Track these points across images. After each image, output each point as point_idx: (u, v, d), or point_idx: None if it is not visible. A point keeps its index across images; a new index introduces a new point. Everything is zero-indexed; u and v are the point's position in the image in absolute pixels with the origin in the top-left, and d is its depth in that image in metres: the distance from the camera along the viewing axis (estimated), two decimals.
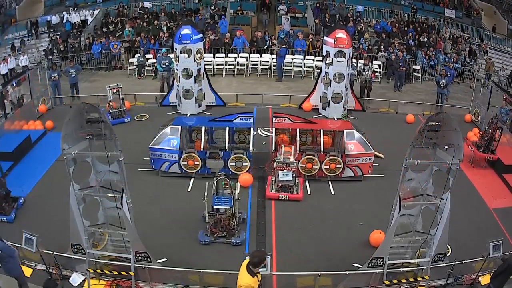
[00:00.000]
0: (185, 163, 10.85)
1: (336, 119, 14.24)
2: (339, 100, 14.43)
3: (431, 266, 7.62)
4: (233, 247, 8.69)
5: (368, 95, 16.32)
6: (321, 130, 11.03)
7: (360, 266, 7.91)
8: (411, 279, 7.75)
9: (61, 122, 6.99)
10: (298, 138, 10.92)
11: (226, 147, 10.82)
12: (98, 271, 7.77)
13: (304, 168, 10.82)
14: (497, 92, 14.21)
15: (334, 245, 8.86)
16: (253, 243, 8.86)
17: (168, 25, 21.09)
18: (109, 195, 7.20)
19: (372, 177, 11.19)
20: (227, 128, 10.96)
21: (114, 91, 14.05)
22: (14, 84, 13.99)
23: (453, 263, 7.70)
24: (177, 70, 14.29)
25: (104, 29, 21.75)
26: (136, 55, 18.83)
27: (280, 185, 10.27)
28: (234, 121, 11.14)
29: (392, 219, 7.34)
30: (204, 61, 14.96)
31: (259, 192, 10.60)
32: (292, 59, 18.86)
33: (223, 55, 19.08)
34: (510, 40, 23.05)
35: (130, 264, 7.54)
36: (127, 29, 20.84)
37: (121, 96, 14.14)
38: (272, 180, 10.50)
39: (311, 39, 19.68)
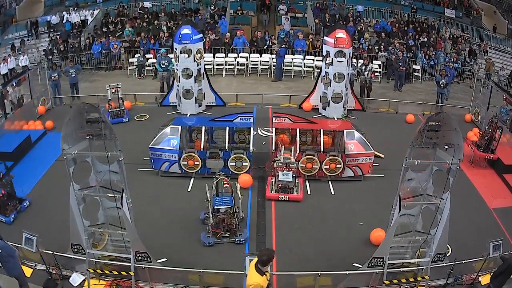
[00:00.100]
0: (185, 163, 10.85)
1: (336, 119, 14.24)
2: (339, 100, 14.43)
3: (431, 266, 7.62)
4: (233, 246, 8.68)
5: (368, 95, 16.32)
6: (321, 130, 11.03)
7: (360, 266, 7.91)
8: (411, 279, 7.75)
9: (61, 122, 6.99)
10: (298, 138, 10.92)
11: (226, 147, 10.82)
12: (98, 271, 7.77)
13: (304, 168, 10.82)
14: (497, 92, 14.20)
15: (334, 245, 8.86)
16: (253, 243, 8.86)
17: (168, 25, 21.09)
18: (109, 195, 7.20)
19: (372, 177, 11.19)
20: (227, 128, 10.96)
21: (113, 90, 14.06)
22: (14, 84, 13.99)
23: (453, 263, 7.70)
24: (177, 70, 14.29)
25: (104, 29, 21.74)
26: (136, 55, 18.83)
27: (280, 185, 10.25)
28: (234, 121, 11.14)
29: (392, 219, 7.33)
30: (204, 61, 14.96)
31: (259, 192, 10.59)
32: (292, 59, 18.86)
33: (223, 55, 19.08)
34: (510, 40, 23.05)
35: (130, 264, 7.54)
36: (127, 29, 20.84)
37: (120, 96, 14.16)
38: (272, 181, 10.48)
39: (311, 39, 19.68)
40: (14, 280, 7.36)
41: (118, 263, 7.76)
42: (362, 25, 21.74)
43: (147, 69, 18.77)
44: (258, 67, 18.97)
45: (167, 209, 9.85)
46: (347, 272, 7.75)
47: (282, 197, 10.14)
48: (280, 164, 10.20)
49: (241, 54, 19.14)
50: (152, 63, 18.55)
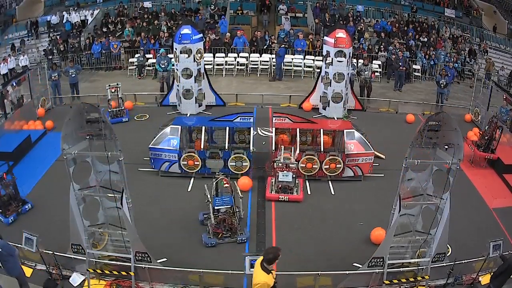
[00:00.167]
0: (185, 163, 10.85)
1: (336, 118, 14.24)
2: (339, 100, 14.43)
3: (431, 266, 7.62)
4: (233, 246, 8.69)
5: (369, 95, 16.32)
6: (321, 130, 11.03)
7: (360, 266, 7.91)
8: (411, 279, 7.75)
9: (61, 122, 6.99)
10: (298, 138, 10.92)
11: (226, 147, 10.82)
12: (98, 271, 7.77)
13: (304, 168, 10.82)
14: (497, 92, 14.20)
15: (334, 245, 8.86)
16: (253, 243, 8.86)
17: (168, 25, 21.09)
18: (109, 195, 7.20)
19: (372, 177, 11.19)
20: (227, 128, 10.96)
21: (113, 90, 14.08)
22: (14, 84, 13.99)
23: (453, 263, 7.70)
24: (177, 70, 14.30)
25: (104, 29, 21.74)
26: (136, 55, 18.83)
27: (280, 186, 10.23)
28: (234, 121, 11.14)
29: (392, 219, 7.33)
30: (204, 61, 14.96)
31: (259, 192, 10.59)
32: (292, 59, 18.87)
33: (223, 55, 19.08)
34: (510, 39, 23.05)
35: (130, 264, 7.54)
36: (127, 29, 20.84)
37: (120, 96, 14.17)
38: (272, 181, 10.47)
39: (311, 39, 19.69)
40: (14, 280, 7.36)
41: (118, 263, 7.76)
42: (362, 25, 21.74)
43: (147, 69, 18.77)
44: (258, 67, 18.96)
45: (167, 209, 9.85)
46: (347, 272, 7.75)
47: (282, 198, 10.13)
48: (280, 165, 10.19)
49: (241, 54, 19.14)
50: (152, 63, 18.54)
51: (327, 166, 10.84)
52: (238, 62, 18.95)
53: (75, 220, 7.32)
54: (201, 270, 7.58)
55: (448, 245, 7.94)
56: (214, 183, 9.05)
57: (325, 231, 9.29)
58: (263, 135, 12.95)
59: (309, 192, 10.60)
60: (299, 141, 10.95)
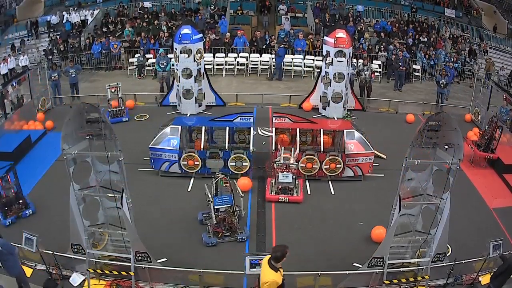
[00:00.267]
0: (185, 163, 10.85)
1: (336, 118, 14.24)
2: (339, 100, 14.43)
3: (431, 266, 7.62)
4: (233, 246, 8.69)
5: (369, 95, 16.32)
6: (321, 130, 11.03)
7: (360, 266, 7.91)
8: (411, 279, 7.75)
9: (61, 122, 6.99)
10: (298, 138, 10.92)
11: (226, 147, 10.82)
12: (98, 271, 7.77)
13: (304, 168, 10.82)
14: (497, 92, 14.21)
15: (334, 245, 8.86)
16: (253, 243, 8.86)
17: (168, 25, 21.08)
18: (109, 195, 7.20)
19: (372, 177, 11.19)
20: (227, 128, 10.95)
21: (113, 90, 14.08)
22: (14, 84, 13.99)
23: (453, 263, 7.70)
24: (177, 70, 14.30)
25: (104, 29, 21.74)
26: (136, 55, 18.83)
27: (280, 187, 10.20)
28: (234, 121, 11.13)
29: (392, 218, 7.33)
30: (204, 61, 14.96)
31: (259, 192, 10.59)
32: (292, 59, 18.87)
33: (223, 55, 19.08)
34: (510, 39, 23.05)
35: (130, 264, 7.54)
36: (127, 29, 20.84)
37: (120, 95, 14.18)
38: (272, 182, 10.44)
39: (311, 39, 19.68)
40: (15, 280, 7.37)
41: (118, 263, 7.76)
42: (362, 25, 21.74)
43: (147, 69, 18.76)
44: (258, 67, 18.96)
45: (167, 209, 9.85)
46: (347, 272, 7.75)
47: (282, 199, 10.10)
48: (280, 165, 10.17)
49: (241, 54, 19.14)
50: (152, 63, 18.54)
51: (327, 166, 10.84)
52: (238, 62, 18.94)
53: (75, 220, 7.32)
54: (201, 270, 7.58)
55: (448, 245, 7.94)
56: (214, 182, 9.06)
57: (325, 231, 9.29)
58: (263, 135, 12.96)
59: (309, 192, 10.60)
60: (299, 141, 10.95)
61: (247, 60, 19.03)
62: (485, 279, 7.93)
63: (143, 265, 7.64)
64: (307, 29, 21.91)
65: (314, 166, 10.83)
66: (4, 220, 9.20)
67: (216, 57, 18.96)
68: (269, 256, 5.77)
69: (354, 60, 17.78)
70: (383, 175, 11.25)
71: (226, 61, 18.95)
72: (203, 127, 10.98)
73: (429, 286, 7.79)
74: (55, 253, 7.72)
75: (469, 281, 7.94)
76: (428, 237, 7.50)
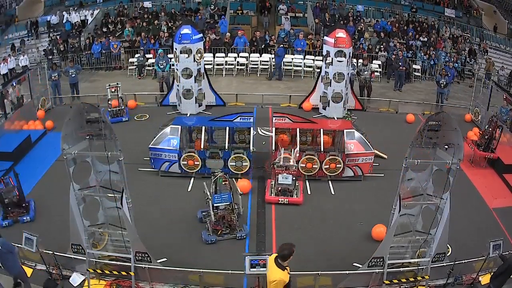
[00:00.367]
0: (185, 163, 10.85)
1: (336, 118, 14.24)
2: (339, 100, 14.42)
3: (431, 266, 7.62)
4: (233, 246, 8.69)
5: (369, 95, 16.32)
6: (321, 130, 11.02)
7: (360, 266, 7.91)
8: (411, 279, 7.75)
9: (61, 122, 6.99)
10: (298, 138, 10.92)
11: (226, 147, 10.82)
12: (98, 271, 7.77)
13: (304, 168, 10.82)
14: (497, 92, 14.21)
15: (334, 245, 8.86)
16: (253, 243, 8.86)
17: (168, 25, 21.08)
18: (109, 195, 7.20)
19: (372, 177, 11.19)
20: (227, 128, 10.95)
21: (113, 90, 14.09)
22: (14, 84, 13.99)
23: (453, 263, 7.70)
24: (177, 70, 14.30)
25: (104, 29, 21.74)
26: (136, 55, 18.83)
27: (279, 188, 10.15)
28: (234, 121, 11.13)
29: (392, 218, 7.33)
30: (204, 61, 14.96)
31: (259, 192, 10.59)
32: (292, 59, 18.87)
33: (223, 55, 19.08)
34: (510, 39, 23.05)
35: (130, 264, 7.54)
36: (127, 29, 20.84)
37: (120, 95, 14.19)
38: (272, 184, 10.40)
39: (311, 39, 19.67)
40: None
41: (118, 263, 7.76)
42: (362, 25, 21.73)
43: (147, 69, 18.76)
44: (258, 67, 18.96)
45: (167, 209, 9.85)
46: (347, 272, 7.75)
47: (281, 200, 10.04)
48: (280, 167, 10.08)
49: (241, 54, 19.14)
50: (152, 63, 18.53)
51: (327, 166, 10.83)
52: (238, 62, 18.95)
53: (75, 220, 7.32)
54: (201, 270, 7.58)
55: (448, 245, 7.94)
56: (213, 180, 9.07)
57: (325, 231, 9.29)
58: (263, 135, 12.95)
59: (309, 192, 10.60)
60: (299, 141, 10.94)
61: (247, 60, 19.03)
62: (485, 279, 7.93)
63: (143, 265, 7.64)
64: (307, 29, 21.91)
65: (314, 166, 10.83)
66: (1, 221, 9.18)
67: (216, 57, 18.96)
68: (275, 254, 5.75)
69: (354, 60, 17.78)
70: (383, 175, 11.25)
71: (226, 61, 18.95)
72: (203, 127, 10.98)
73: (429, 286, 7.79)
74: (55, 253, 7.72)
75: (469, 281, 7.94)
76: (428, 237, 7.50)
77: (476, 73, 17.91)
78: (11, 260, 7.20)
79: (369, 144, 10.95)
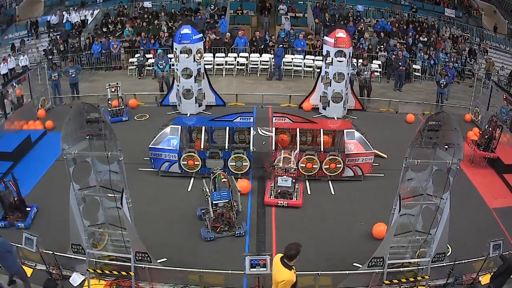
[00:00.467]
0: (185, 163, 10.85)
1: (336, 118, 14.24)
2: (339, 100, 14.42)
3: (431, 266, 7.62)
4: (233, 245, 8.70)
5: (369, 95, 16.32)
6: (321, 130, 11.02)
7: (360, 266, 7.91)
8: (411, 279, 7.75)
9: (61, 122, 7.00)
10: (298, 138, 10.91)
11: (226, 147, 10.82)
12: (98, 271, 7.77)
13: (304, 168, 10.81)
14: (497, 92, 14.20)
15: (334, 245, 8.86)
16: (253, 243, 8.86)
17: (168, 25, 21.08)
18: (109, 195, 7.20)
19: (372, 177, 11.18)
20: (227, 128, 10.95)
21: (113, 89, 14.10)
22: (14, 84, 13.99)
23: (453, 263, 7.71)
24: (177, 70, 14.30)
25: (104, 29, 21.74)
26: (136, 55, 18.83)
27: (279, 191, 10.10)
28: (234, 121, 11.14)
29: (392, 218, 7.34)
30: (204, 61, 14.96)
31: (259, 192, 10.58)
32: (292, 59, 18.86)
33: (223, 55, 19.08)
34: (510, 39, 23.04)
35: (130, 264, 7.54)
36: (127, 29, 20.83)
37: (120, 95, 14.19)
38: (271, 186, 10.35)
39: (311, 39, 19.66)
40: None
41: (118, 263, 7.76)
42: (362, 25, 21.73)
43: (147, 69, 18.76)
44: (258, 67, 18.96)
45: (167, 209, 9.85)
46: (347, 272, 7.75)
47: (281, 203, 9.96)
48: (280, 169, 10.03)
49: (241, 54, 19.14)
50: (152, 63, 18.54)
51: (327, 166, 10.83)
52: (238, 62, 18.94)
53: (75, 220, 7.32)
54: (201, 270, 7.58)
55: (448, 245, 7.95)
56: (212, 178, 9.09)
57: (325, 231, 9.29)
58: (263, 135, 12.95)
59: (309, 192, 10.60)
60: (299, 141, 10.94)
61: (247, 60, 19.03)
62: (485, 279, 7.93)
63: (143, 265, 7.64)
64: (307, 29, 21.91)
65: (314, 166, 10.83)
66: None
67: (216, 57, 18.95)
68: (281, 254, 5.73)
69: (354, 60, 17.78)
70: (383, 175, 11.25)
71: (226, 61, 18.94)
72: (203, 127, 10.98)
73: (429, 286, 7.79)
74: (55, 253, 7.72)
75: (469, 281, 7.94)
76: (428, 237, 7.50)
77: (476, 73, 17.91)
78: (9, 259, 7.23)
79: (369, 144, 10.95)
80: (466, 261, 7.89)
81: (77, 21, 22.38)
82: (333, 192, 10.68)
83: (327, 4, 23.14)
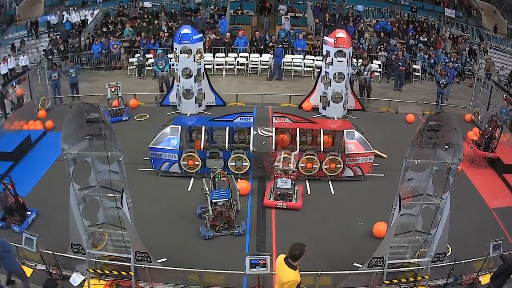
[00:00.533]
0: (185, 163, 10.85)
1: (336, 118, 14.24)
2: (339, 100, 14.42)
3: (431, 266, 7.62)
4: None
5: (369, 95, 16.31)
6: (321, 130, 11.02)
7: (360, 266, 7.91)
8: (411, 279, 7.75)
9: (61, 122, 7.00)
10: (298, 138, 10.91)
11: (226, 147, 10.82)
12: (98, 271, 7.77)
13: (304, 168, 10.81)
14: (497, 92, 14.20)
15: (334, 245, 8.86)
16: (253, 243, 8.86)
17: (168, 25, 21.08)
18: (109, 195, 7.21)
19: (372, 177, 11.18)
20: (227, 128, 10.95)
21: (113, 89, 14.10)
22: (14, 84, 13.99)
23: (453, 263, 7.71)
24: (177, 70, 14.30)
25: (104, 29, 21.74)
26: (136, 55, 18.82)
27: (278, 192, 10.06)
28: (234, 121, 11.14)
29: (392, 218, 7.34)
30: (204, 61, 14.96)
31: (259, 192, 10.58)
32: (292, 59, 18.86)
33: (223, 55, 19.08)
34: (510, 39, 23.04)
35: (130, 264, 7.54)
36: (127, 29, 20.83)
37: (120, 95, 14.19)
38: (271, 187, 10.30)
39: (311, 39, 19.66)
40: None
41: (118, 263, 7.76)
42: (362, 25, 21.73)
43: (147, 69, 18.75)
44: (258, 67, 18.96)
45: (167, 209, 9.85)
46: (347, 272, 7.75)
47: (280, 205, 9.91)
48: (279, 171, 9.98)
49: (241, 54, 19.14)
50: (152, 63, 18.53)
51: (327, 166, 10.83)
52: (238, 62, 18.94)
53: (75, 220, 7.32)
54: (201, 270, 7.58)
55: (448, 245, 7.95)
56: (212, 177, 9.09)
57: (325, 231, 9.29)
58: (263, 135, 12.95)
59: (309, 192, 10.60)
60: (299, 141, 10.94)
61: (247, 60, 19.03)
62: (485, 279, 7.93)
63: (143, 265, 7.64)
64: (307, 29, 21.91)
65: (314, 166, 10.83)
66: None
67: (216, 57, 18.95)
68: (284, 255, 5.73)
69: (354, 60, 17.78)
70: (383, 175, 11.25)
71: (226, 61, 18.94)
72: (203, 127, 10.98)
73: (429, 286, 7.79)
74: (55, 253, 7.72)
75: (469, 281, 7.94)
76: (428, 237, 7.50)
77: (476, 73, 17.91)
78: (8, 258, 7.25)
79: (369, 144, 10.95)
80: (466, 261, 7.89)
81: (77, 21, 22.37)
82: (333, 192, 10.68)
83: (327, 4, 23.14)
